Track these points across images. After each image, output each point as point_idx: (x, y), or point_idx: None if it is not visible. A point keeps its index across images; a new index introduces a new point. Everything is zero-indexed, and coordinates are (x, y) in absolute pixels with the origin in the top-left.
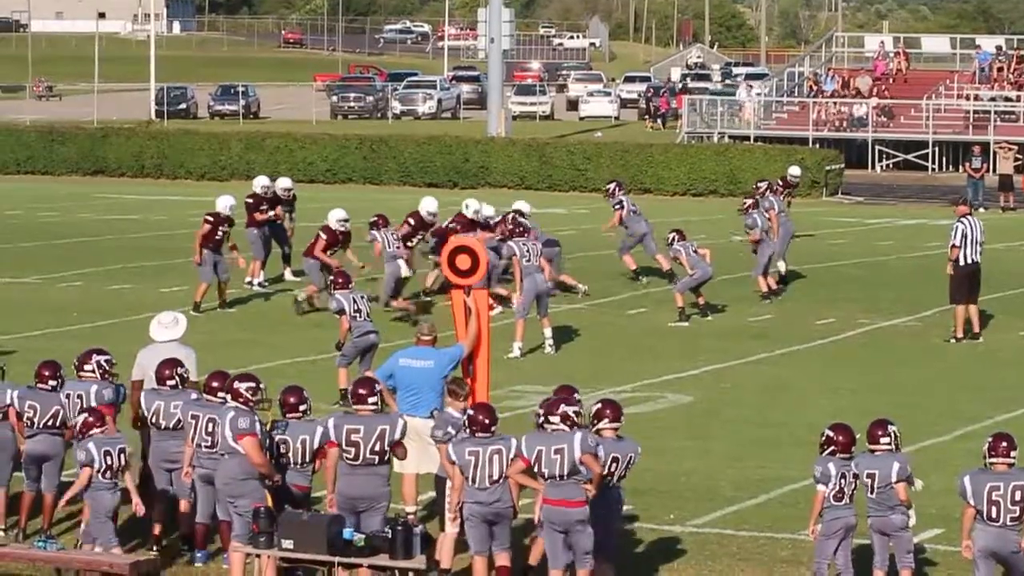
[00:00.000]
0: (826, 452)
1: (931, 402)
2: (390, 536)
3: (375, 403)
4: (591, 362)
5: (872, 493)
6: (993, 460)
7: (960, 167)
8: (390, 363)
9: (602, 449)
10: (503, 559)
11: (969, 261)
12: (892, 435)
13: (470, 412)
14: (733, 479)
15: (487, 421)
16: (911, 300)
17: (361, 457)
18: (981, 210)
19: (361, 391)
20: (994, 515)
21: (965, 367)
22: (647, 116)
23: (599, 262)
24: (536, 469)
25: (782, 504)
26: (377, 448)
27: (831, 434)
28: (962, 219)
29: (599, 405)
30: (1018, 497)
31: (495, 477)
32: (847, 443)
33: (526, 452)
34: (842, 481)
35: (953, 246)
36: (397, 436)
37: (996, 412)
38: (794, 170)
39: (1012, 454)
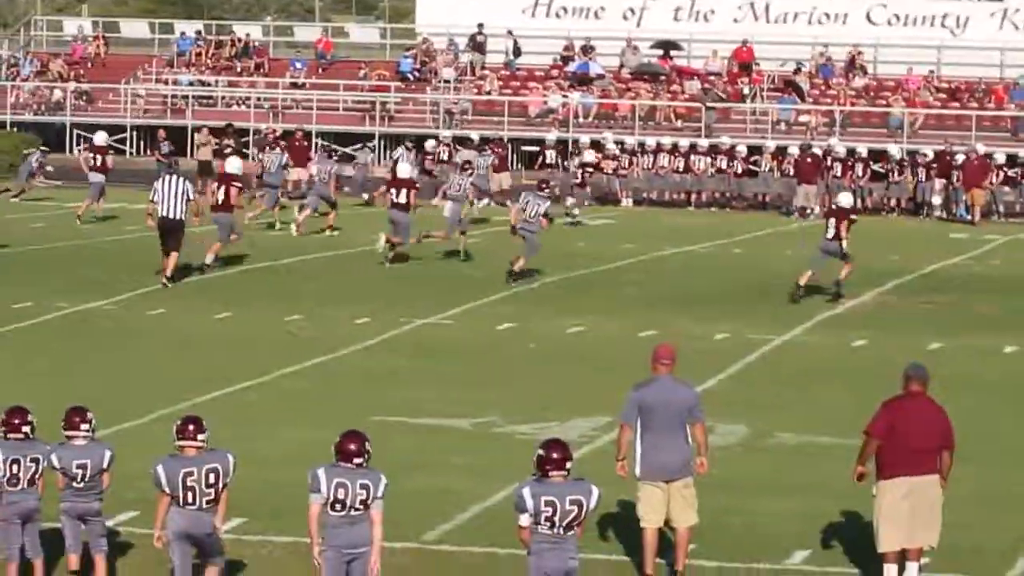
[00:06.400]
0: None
1: (131, 384)
2: None
3: None
4: None
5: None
6: (181, 443)
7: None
8: None
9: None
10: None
11: (164, 214)
12: (90, 421)
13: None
14: None
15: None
16: (106, 284)
17: None
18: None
19: None
20: (190, 500)
21: (164, 350)
22: None
23: None
24: None
25: None
26: None
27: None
28: (159, 178)
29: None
30: (212, 480)
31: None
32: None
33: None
34: (14, 467)
35: (150, 201)
36: None
37: (192, 394)
38: None
39: (200, 437)
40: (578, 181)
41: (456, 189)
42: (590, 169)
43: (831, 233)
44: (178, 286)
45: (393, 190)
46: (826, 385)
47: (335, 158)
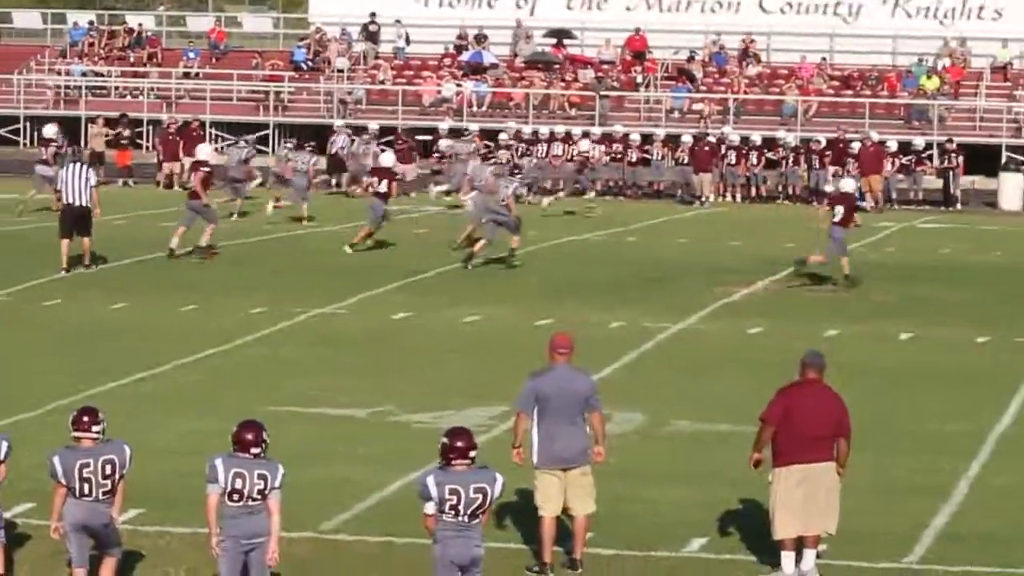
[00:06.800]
0: None
1: (26, 375)
2: None
3: None
4: None
5: None
6: (77, 434)
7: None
8: None
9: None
10: None
11: (69, 202)
12: None
13: None
14: None
15: None
16: (1, 274)
17: None
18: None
19: None
20: (87, 491)
21: (60, 341)
22: None
23: None
24: None
25: None
26: None
27: None
28: (63, 167)
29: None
30: (108, 471)
31: None
32: None
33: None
34: None
35: (55, 190)
36: None
37: (88, 385)
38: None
39: (95, 428)
40: (577, 169)
41: (480, 180)
42: (592, 157)
43: (838, 218)
44: (73, 276)
45: (375, 179)
46: (722, 373)
47: (308, 149)
